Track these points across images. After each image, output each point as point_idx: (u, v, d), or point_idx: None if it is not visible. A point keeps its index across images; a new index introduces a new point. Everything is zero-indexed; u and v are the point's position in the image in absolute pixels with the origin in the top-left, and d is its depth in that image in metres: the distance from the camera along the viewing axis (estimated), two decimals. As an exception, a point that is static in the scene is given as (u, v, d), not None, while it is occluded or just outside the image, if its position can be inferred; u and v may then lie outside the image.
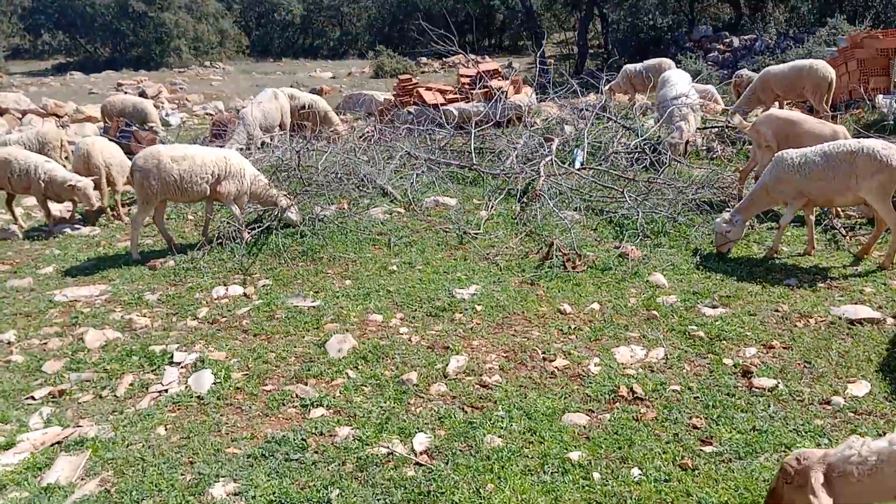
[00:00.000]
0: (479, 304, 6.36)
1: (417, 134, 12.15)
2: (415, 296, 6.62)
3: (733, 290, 6.47)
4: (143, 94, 22.82)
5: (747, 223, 7.65)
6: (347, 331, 5.96)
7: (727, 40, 26.91)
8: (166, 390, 5.22)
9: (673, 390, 4.89)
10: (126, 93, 21.87)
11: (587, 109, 12.42)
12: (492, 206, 8.85)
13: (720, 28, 29.53)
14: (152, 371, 5.53)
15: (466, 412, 4.72)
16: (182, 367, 5.53)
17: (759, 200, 7.46)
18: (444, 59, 41.17)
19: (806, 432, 4.34)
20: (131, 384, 5.34)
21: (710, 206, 8.55)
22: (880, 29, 18.13)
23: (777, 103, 12.75)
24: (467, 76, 14.78)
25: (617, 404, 4.77)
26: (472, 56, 15.18)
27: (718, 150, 11.33)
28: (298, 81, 35.11)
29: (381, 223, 8.66)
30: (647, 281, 6.76)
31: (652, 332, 5.76)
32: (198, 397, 5.08)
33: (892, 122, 11.30)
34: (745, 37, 26.91)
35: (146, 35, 41.76)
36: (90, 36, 44.91)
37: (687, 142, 11.07)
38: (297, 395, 5.01)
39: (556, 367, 5.24)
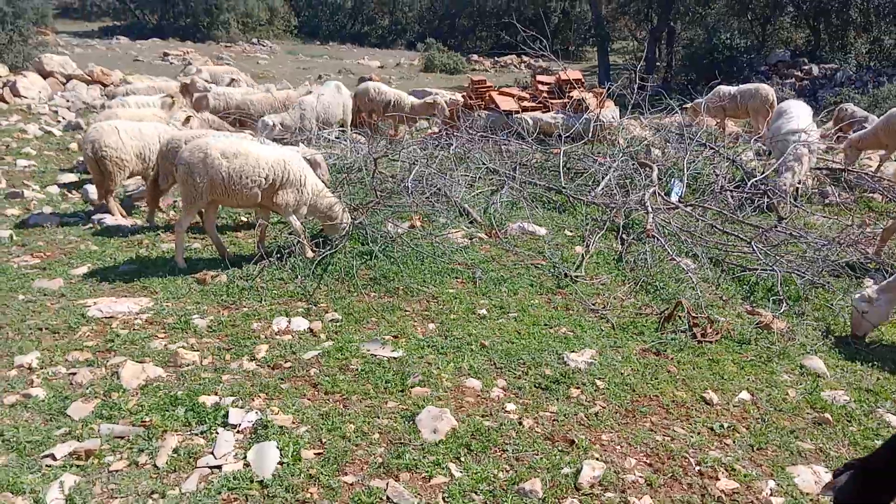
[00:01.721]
0: (599, 379, 5.18)
1: (493, 143, 10.97)
2: (516, 356, 5.45)
3: (915, 391, 5.24)
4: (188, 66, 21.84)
5: None
6: (440, 399, 4.82)
7: (805, 67, 25.45)
8: (219, 466, 4.11)
9: (886, 547, 3.67)
10: (196, 68, 20.75)
11: (682, 133, 11.17)
12: (593, 244, 7.65)
13: (797, 54, 28.01)
14: (201, 433, 4.41)
15: (618, 554, 3.55)
16: (239, 432, 4.41)
17: None
18: (496, 59, 40.06)
19: None
20: (175, 450, 4.22)
21: (850, 269, 7.29)
22: None
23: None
24: (545, 83, 13.55)
25: (818, 563, 3.58)
26: (545, 60, 13.93)
27: (834, 194, 10.03)
28: (346, 68, 34.14)
29: (464, 250, 7.50)
30: (802, 366, 5.53)
31: (830, 444, 4.55)
32: (260, 483, 3.96)
33: None
34: (826, 66, 25.41)
35: (196, 5, 40.99)
36: (139, 0, 44.23)
37: (799, 185, 9.78)
38: (388, 498, 3.87)
39: (721, 491, 4.04)
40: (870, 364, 5.64)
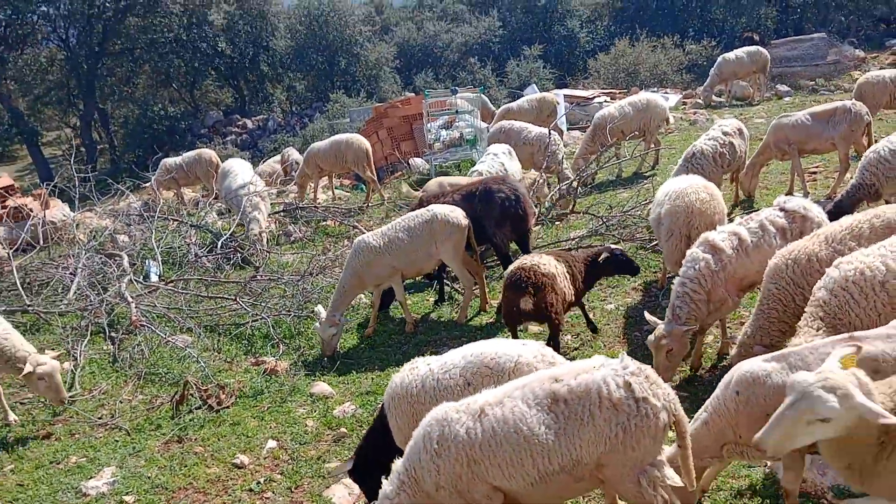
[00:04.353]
0: (127, 494, 4.84)
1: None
2: (25, 513, 4.74)
3: (399, 377, 6.17)
4: None
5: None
6: None
7: (240, 123, 27.52)
8: None
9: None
10: None
11: (143, 214, 11.04)
12: (81, 354, 7.03)
13: (229, 112, 30.05)
14: None
15: None
16: None
17: (352, 290, 7.09)
18: None
19: None
20: None
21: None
22: (380, 101, 20.44)
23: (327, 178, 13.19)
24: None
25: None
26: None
27: (296, 231, 11.13)
28: None
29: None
30: (312, 394, 6.04)
31: (349, 452, 5.06)
32: None
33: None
34: (256, 118, 27.89)
35: None
36: None
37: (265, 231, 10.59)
38: None
39: (275, 544, 4.19)
40: (362, 370, 6.45)
